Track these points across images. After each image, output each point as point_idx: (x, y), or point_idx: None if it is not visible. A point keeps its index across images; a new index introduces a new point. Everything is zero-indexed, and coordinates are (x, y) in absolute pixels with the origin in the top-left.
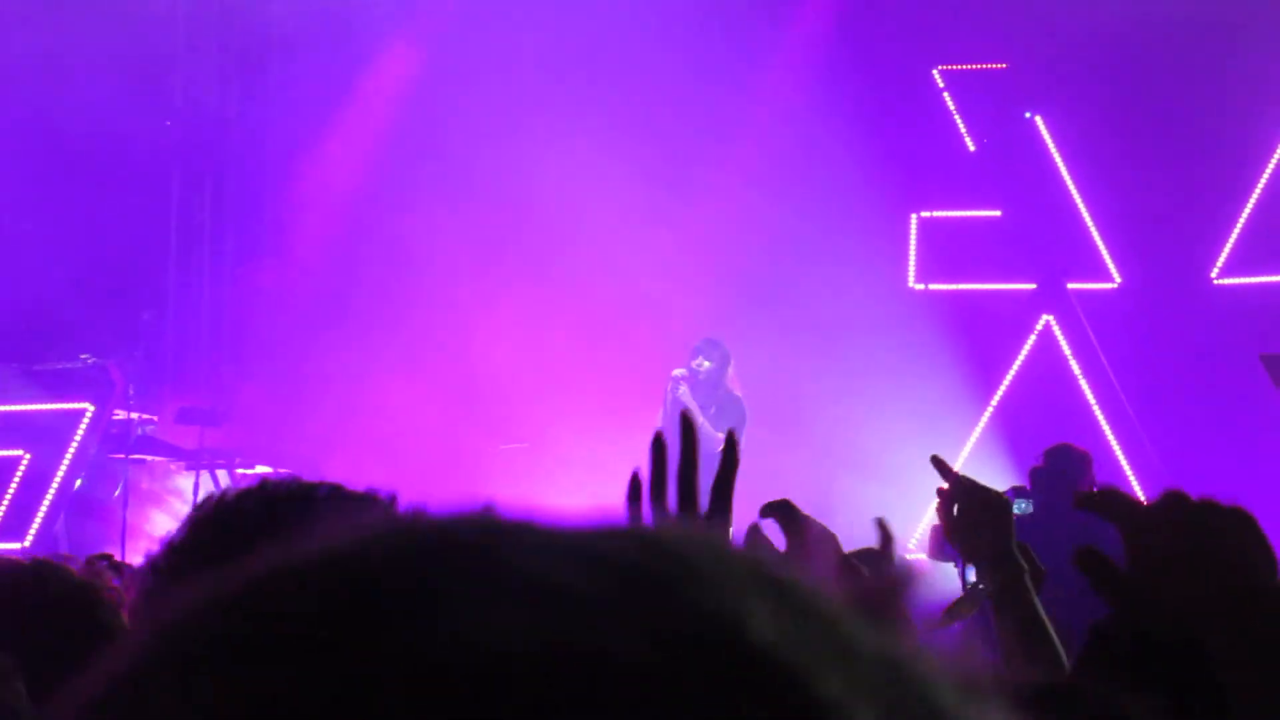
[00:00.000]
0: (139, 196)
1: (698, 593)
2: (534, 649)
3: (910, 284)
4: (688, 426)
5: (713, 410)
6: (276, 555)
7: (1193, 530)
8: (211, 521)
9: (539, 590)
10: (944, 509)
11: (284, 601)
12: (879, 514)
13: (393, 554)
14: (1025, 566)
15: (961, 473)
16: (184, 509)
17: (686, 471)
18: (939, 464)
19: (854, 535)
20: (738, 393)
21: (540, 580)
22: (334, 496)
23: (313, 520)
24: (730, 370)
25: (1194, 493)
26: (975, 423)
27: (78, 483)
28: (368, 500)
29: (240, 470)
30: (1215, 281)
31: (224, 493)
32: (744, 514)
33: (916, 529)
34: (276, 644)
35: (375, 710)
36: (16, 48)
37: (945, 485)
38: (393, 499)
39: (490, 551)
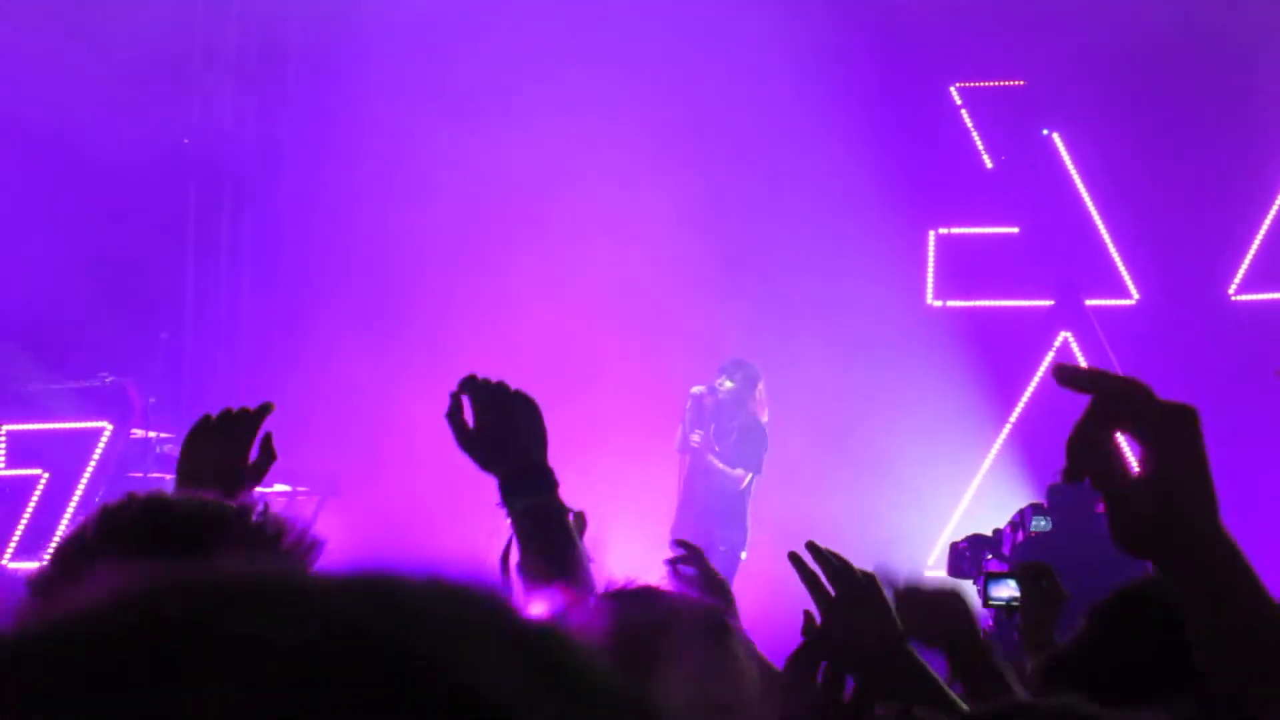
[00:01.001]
0: (157, 214)
1: (420, 648)
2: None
3: (929, 301)
4: None
5: (733, 436)
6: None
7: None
8: (92, 529)
9: (254, 658)
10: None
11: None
12: (898, 529)
13: (114, 626)
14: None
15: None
16: None
17: None
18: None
19: (871, 550)
20: (763, 417)
21: (257, 647)
22: (239, 522)
23: (206, 543)
24: (758, 393)
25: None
26: (994, 439)
27: (98, 501)
28: (273, 532)
29: (258, 489)
30: (1233, 298)
31: (109, 503)
32: (776, 528)
33: (936, 544)
34: None
35: None
36: (32, 65)
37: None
38: (317, 542)
39: (210, 619)
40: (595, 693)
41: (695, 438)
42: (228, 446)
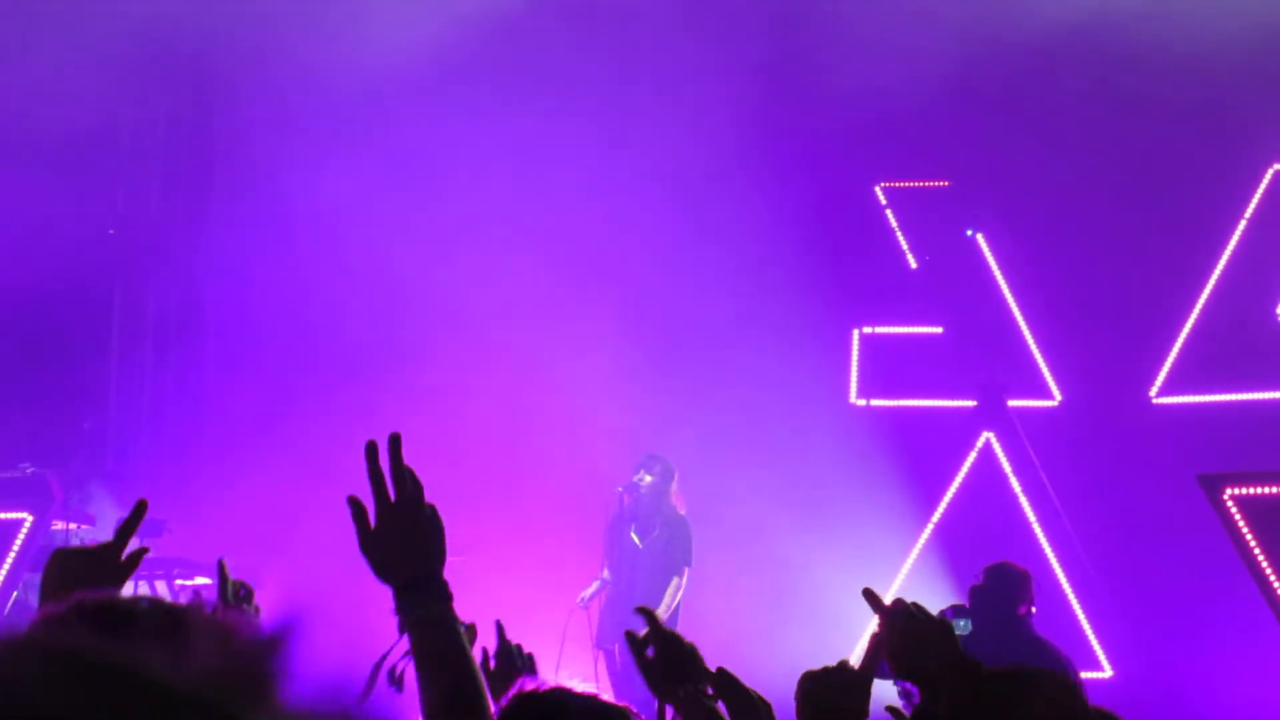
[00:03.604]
0: (81, 305)
1: None
2: None
3: (852, 399)
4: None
5: (656, 531)
6: None
7: None
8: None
9: None
10: (883, 636)
11: None
12: (819, 626)
13: None
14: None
15: (897, 600)
16: None
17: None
18: (870, 597)
19: (798, 647)
20: (681, 510)
21: None
22: (151, 612)
23: (123, 637)
24: (674, 485)
25: (1134, 613)
26: (915, 539)
27: (14, 594)
28: (184, 614)
29: (179, 581)
30: (1154, 400)
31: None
32: (698, 625)
33: (856, 642)
34: None
35: None
36: None
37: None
38: (215, 608)
39: None
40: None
41: (620, 488)
42: (93, 557)
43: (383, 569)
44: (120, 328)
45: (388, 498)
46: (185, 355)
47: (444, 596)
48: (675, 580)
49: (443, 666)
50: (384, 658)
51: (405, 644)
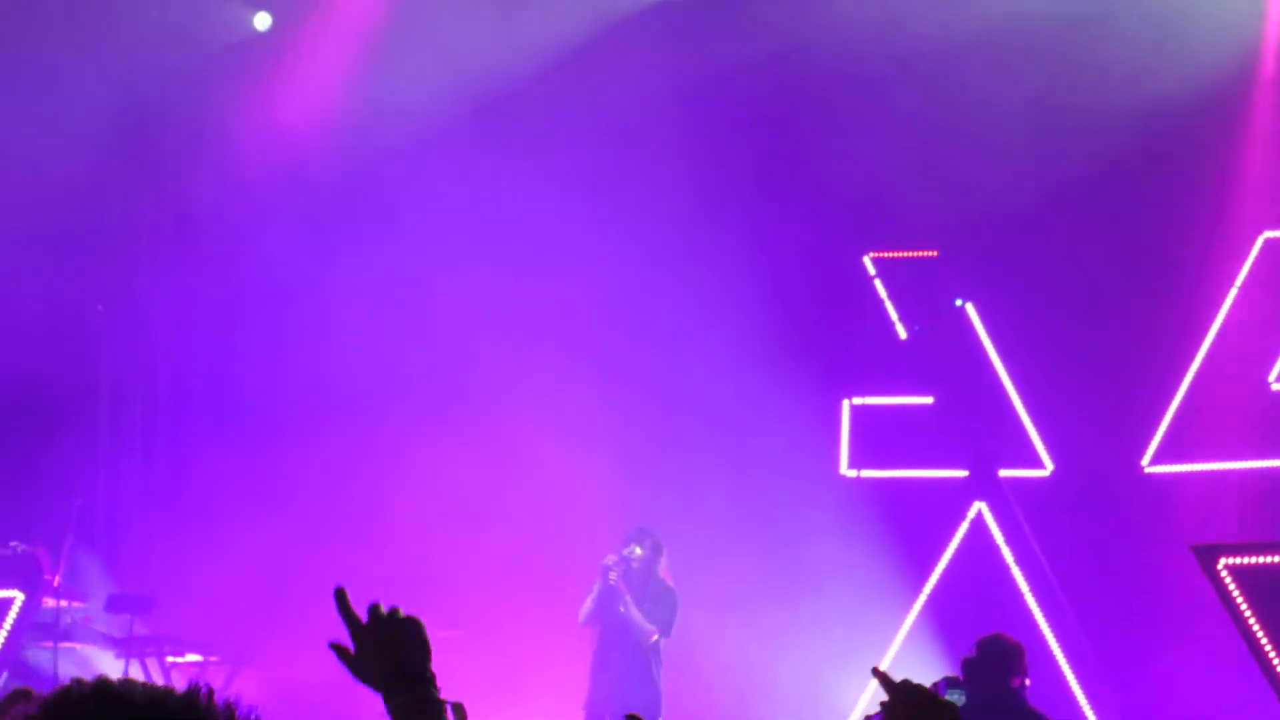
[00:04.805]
0: (70, 381)
1: None
2: None
3: (842, 471)
4: None
5: (647, 604)
6: None
7: None
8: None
9: None
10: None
11: None
12: (812, 701)
13: None
14: None
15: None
16: None
17: None
18: (881, 676)
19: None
20: (670, 582)
21: None
22: (190, 705)
23: None
24: (663, 560)
25: (1128, 684)
26: (907, 611)
27: (3, 675)
28: (224, 714)
29: (170, 659)
30: (1147, 470)
31: (63, 686)
32: (688, 699)
33: (852, 713)
34: None
35: None
36: None
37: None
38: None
39: None
40: None
41: (612, 575)
42: None
43: (372, 682)
44: (109, 404)
45: (359, 626)
46: (174, 431)
47: (426, 680)
48: (651, 627)
49: None
50: None
51: None
